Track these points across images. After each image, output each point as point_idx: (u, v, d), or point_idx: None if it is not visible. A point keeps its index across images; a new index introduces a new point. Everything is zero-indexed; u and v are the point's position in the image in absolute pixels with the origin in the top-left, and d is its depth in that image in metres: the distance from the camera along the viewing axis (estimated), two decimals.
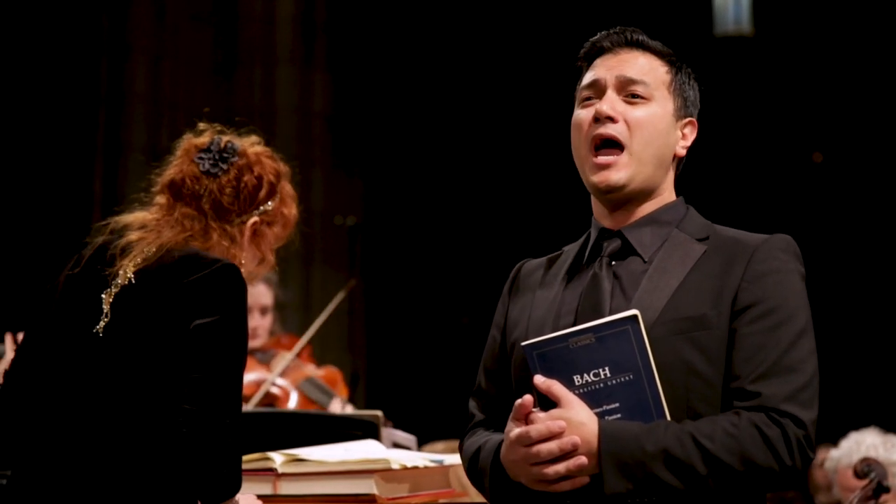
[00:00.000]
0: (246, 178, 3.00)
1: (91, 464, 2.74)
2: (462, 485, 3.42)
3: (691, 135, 2.62)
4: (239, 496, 2.79)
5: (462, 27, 9.35)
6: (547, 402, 2.33)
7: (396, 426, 4.11)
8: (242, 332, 2.79)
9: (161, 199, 3.02)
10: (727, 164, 8.75)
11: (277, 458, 3.09)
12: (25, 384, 2.87)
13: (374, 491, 3.00)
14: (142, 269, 2.83)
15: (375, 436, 3.69)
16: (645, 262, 2.49)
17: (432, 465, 3.19)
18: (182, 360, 2.72)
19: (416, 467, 3.11)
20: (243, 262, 2.96)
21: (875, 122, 9.64)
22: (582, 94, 2.60)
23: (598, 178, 2.52)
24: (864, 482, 3.73)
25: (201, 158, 3.01)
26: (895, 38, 9.39)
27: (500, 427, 2.56)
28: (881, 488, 3.69)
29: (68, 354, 2.83)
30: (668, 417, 2.31)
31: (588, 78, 2.60)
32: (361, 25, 8.89)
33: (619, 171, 2.51)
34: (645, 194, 2.55)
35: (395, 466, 3.04)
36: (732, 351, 2.37)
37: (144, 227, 2.95)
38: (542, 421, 2.30)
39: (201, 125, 3.12)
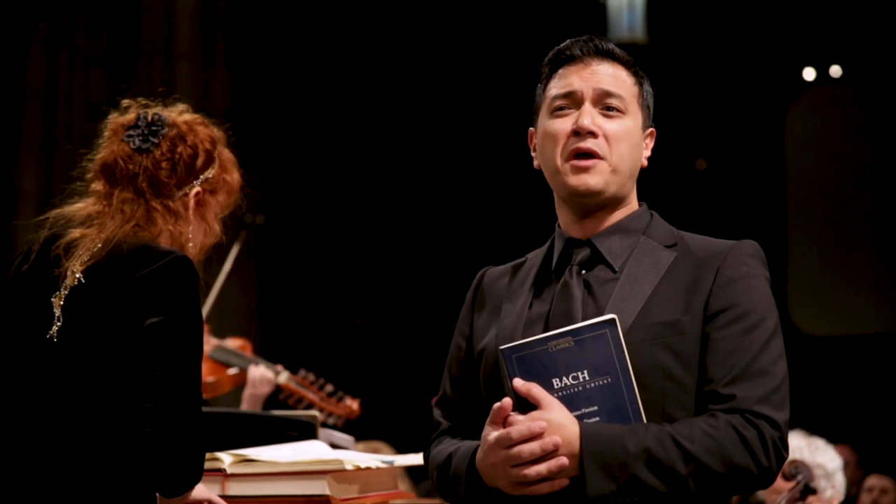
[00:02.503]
0: (180, 148, 2.89)
1: (52, 467, 2.68)
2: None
3: (651, 144, 2.66)
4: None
5: (365, 25, 9.32)
6: (525, 405, 2.33)
7: None
8: (197, 326, 2.74)
9: (97, 186, 2.91)
10: None
11: (226, 459, 3.06)
12: None
13: (328, 492, 2.99)
14: (90, 267, 2.75)
15: (313, 436, 3.67)
16: (614, 271, 2.51)
17: (384, 465, 3.18)
18: (138, 357, 2.66)
19: (368, 468, 3.10)
20: (190, 235, 2.88)
21: (758, 132, 9.83)
22: (554, 103, 2.58)
23: (577, 180, 2.52)
24: (791, 484, 3.80)
25: (130, 136, 2.89)
26: (780, 50, 9.59)
27: (467, 434, 2.59)
28: (808, 490, 3.77)
29: (23, 362, 2.75)
30: (645, 420, 2.33)
31: (561, 87, 2.58)
32: (262, 22, 8.82)
33: (597, 176, 2.52)
34: (615, 204, 2.57)
35: (348, 467, 3.02)
36: (705, 355, 2.40)
37: (86, 220, 2.85)
38: (523, 422, 2.30)
39: (125, 102, 2.99)
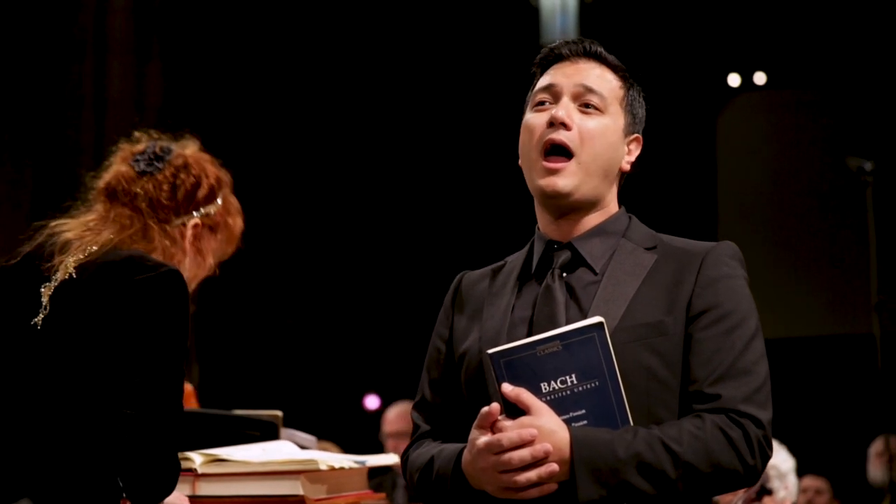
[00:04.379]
0: (183, 175, 2.94)
1: (24, 459, 2.66)
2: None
3: (636, 151, 2.67)
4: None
5: (303, 19, 9.29)
6: (514, 409, 2.34)
7: None
8: (183, 338, 2.74)
9: (98, 206, 2.94)
10: None
11: (197, 459, 3.04)
12: None
13: (301, 492, 2.98)
14: (83, 265, 2.75)
15: (275, 436, 3.65)
16: (596, 273, 2.54)
17: (356, 465, 3.18)
18: (122, 360, 2.65)
19: (342, 468, 3.09)
20: (185, 264, 2.90)
21: (688, 137, 9.94)
22: (536, 97, 2.62)
23: (545, 182, 2.55)
24: None
25: (137, 161, 2.95)
26: (712, 56, 9.71)
27: (447, 437, 2.60)
28: (764, 490, 3.83)
29: (4, 347, 2.74)
30: (632, 422, 2.36)
31: (544, 82, 2.63)
32: (197, 16, 8.75)
33: (566, 178, 2.54)
34: (590, 205, 2.59)
35: (322, 467, 3.02)
36: (689, 355, 2.43)
37: (82, 227, 2.87)
38: (513, 429, 2.31)
39: (136, 133, 3.06)
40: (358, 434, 7.69)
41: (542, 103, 2.60)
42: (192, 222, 2.94)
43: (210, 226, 2.98)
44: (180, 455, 2.97)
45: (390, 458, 3.44)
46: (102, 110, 8.12)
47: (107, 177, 2.96)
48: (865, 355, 6.47)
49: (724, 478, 2.37)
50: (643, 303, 2.47)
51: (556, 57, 2.65)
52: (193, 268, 2.96)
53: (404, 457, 2.68)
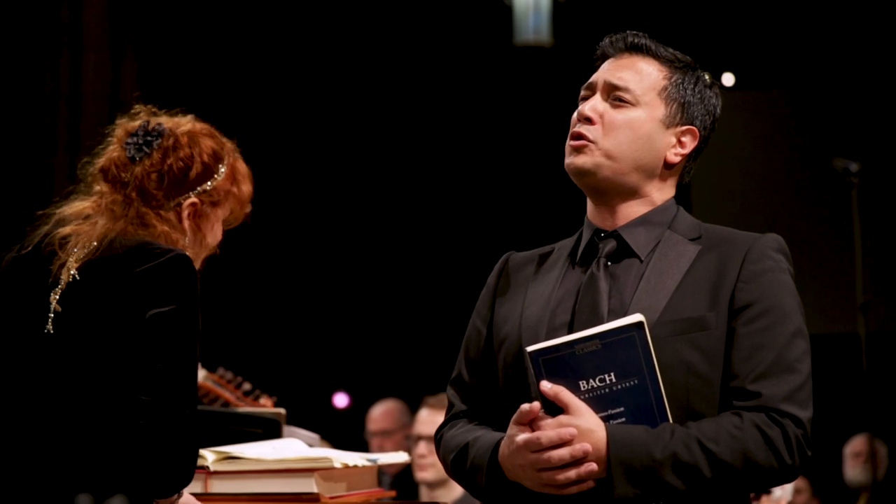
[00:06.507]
0: (170, 160, 2.87)
1: (49, 461, 2.64)
2: None
3: (690, 143, 2.65)
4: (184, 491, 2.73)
5: (277, 14, 9.26)
6: (553, 406, 2.36)
7: None
8: (196, 322, 2.72)
9: (95, 191, 2.91)
10: (521, 169, 8.91)
11: (209, 456, 3.02)
12: None
13: (315, 489, 2.97)
14: (86, 264, 2.73)
15: (278, 434, 3.63)
16: (641, 261, 2.54)
17: (368, 464, 3.16)
18: (136, 350, 2.63)
19: (355, 466, 3.08)
20: (186, 244, 2.86)
21: None
22: (581, 92, 2.68)
23: (567, 159, 2.60)
24: None
25: (128, 144, 2.89)
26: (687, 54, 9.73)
27: (481, 418, 2.63)
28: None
29: (20, 357, 2.72)
30: (671, 420, 2.36)
31: (590, 79, 2.68)
32: (174, 10, 8.70)
33: (585, 156, 2.57)
34: (625, 193, 2.60)
35: (336, 465, 3.01)
36: (731, 350, 2.43)
37: (79, 218, 2.84)
38: (551, 427, 2.33)
39: (136, 107, 3.01)
40: (328, 432, 7.66)
41: (584, 98, 2.66)
42: (187, 202, 2.89)
43: (212, 201, 2.93)
44: None
45: (400, 457, 3.44)
46: (77, 106, 8.02)
47: (102, 161, 2.92)
48: (850, 355, 6.49)
49: (761, 477, 2.38)
50: (685, 297, 2.46)
51: (603, 54, 2.71)
52: (194, 246, 2.91)
53: (438, 435, 2.68)
